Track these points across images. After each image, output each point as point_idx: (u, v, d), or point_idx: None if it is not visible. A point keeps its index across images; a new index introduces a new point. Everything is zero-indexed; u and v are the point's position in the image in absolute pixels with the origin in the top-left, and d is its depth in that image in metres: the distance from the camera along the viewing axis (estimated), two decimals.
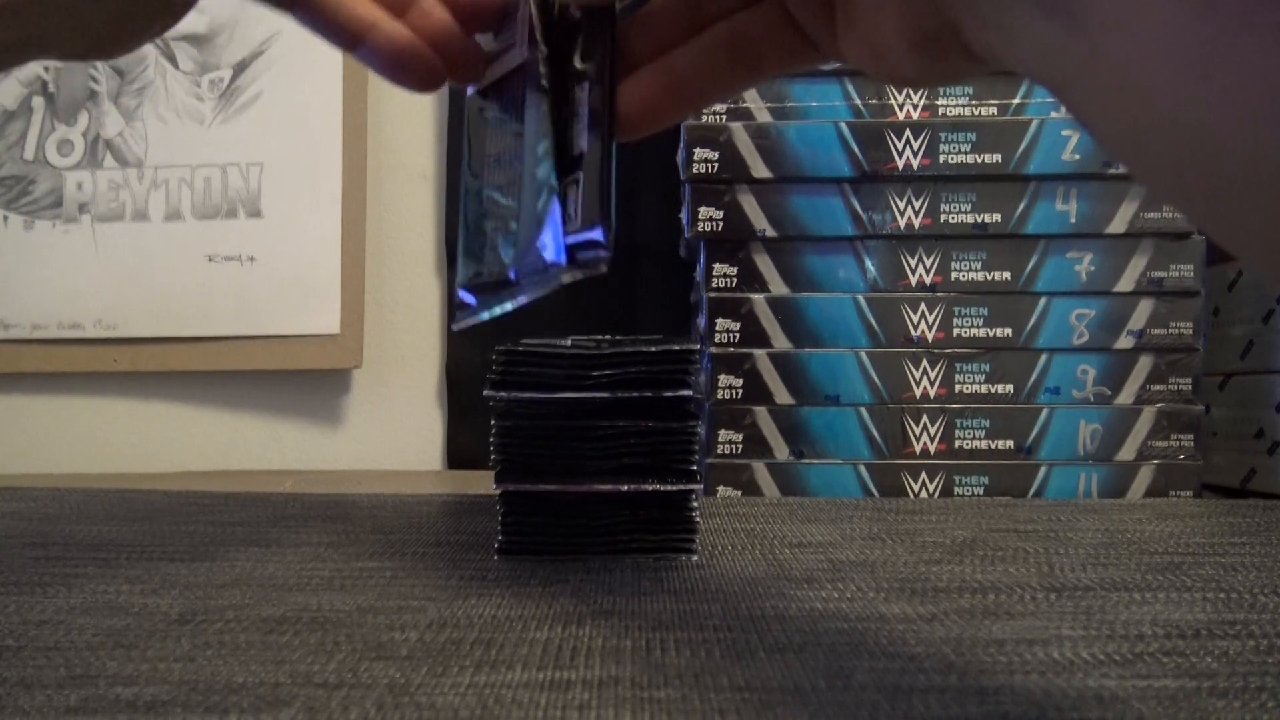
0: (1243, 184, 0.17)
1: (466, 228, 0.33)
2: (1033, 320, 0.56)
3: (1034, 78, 0.23)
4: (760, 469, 0.56)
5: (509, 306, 0.32)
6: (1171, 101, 0.18)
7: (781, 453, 0.56)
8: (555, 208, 0.30)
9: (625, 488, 0.38)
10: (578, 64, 0.30)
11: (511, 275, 0.31)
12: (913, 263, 0.56)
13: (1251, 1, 0.16)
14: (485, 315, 0.32)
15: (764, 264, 0.57)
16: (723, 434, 0.56)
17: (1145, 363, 0.56)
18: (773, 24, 0.29)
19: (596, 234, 0.29)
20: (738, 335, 0.57)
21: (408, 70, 0.32)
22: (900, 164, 0.56)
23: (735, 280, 0.57)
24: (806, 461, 0.56)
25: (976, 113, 0.56)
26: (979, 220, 0.56)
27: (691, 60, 0.29)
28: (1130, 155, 0.20)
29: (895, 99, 0.57)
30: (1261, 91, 0.16)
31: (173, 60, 0.74)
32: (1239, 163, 0.17)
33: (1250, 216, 0.17)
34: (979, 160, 0.55)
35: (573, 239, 0.30)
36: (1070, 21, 0.19)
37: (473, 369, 0.74)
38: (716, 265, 0.57)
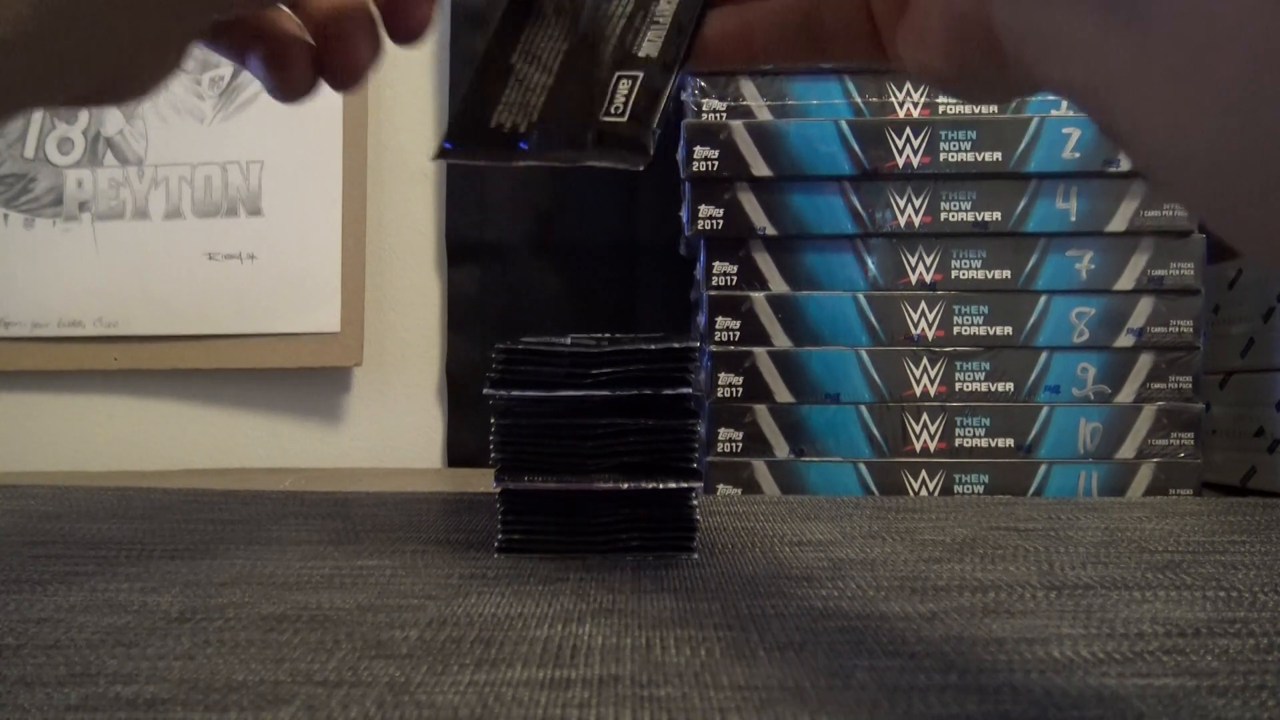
0: None
1: (473, 85, 0.33)
2: (1033, 318, 0.56)
3: (1062, 84, 0.22)
4: (760, 467, 0.56)
5: (505, 164, 0.32)
6: (1235, 98, 0.17)
7: (781, 451, 0.56)
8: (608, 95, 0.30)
9: (625, 486, 0.38)
10: None
11: (522, 145, 0.31)
12: (913, 261, 0.56)
13: None
14: (468, 161, 0.32)
15: (764, 262, 0.57)
16: (723, 432, 0.56)
17: (1145, 361, 0.56)
18: (850, 9, 0.29)
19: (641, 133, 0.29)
20: (738, 333, 0.56)
21: (281, 75, 0.32)
22: (900, 162, 0.56)
23: (735, 278, 0.57)
24: (806, 460, 0.56)
25: (977, 111, 0.56)
26: (979, 218, 0.56)
27: (769, 17, 0.30)
28: (1171, 161, 0.19)
29: (895, 97, 0.56)
30: None
31: None
32: None
33: None
34: (979, 158, 0.55)
35: (608, 121, 0.30)
36: (1126, 15, 0.19)
37: (473, 367, 0.74)
38: (717, 263, 0.57)
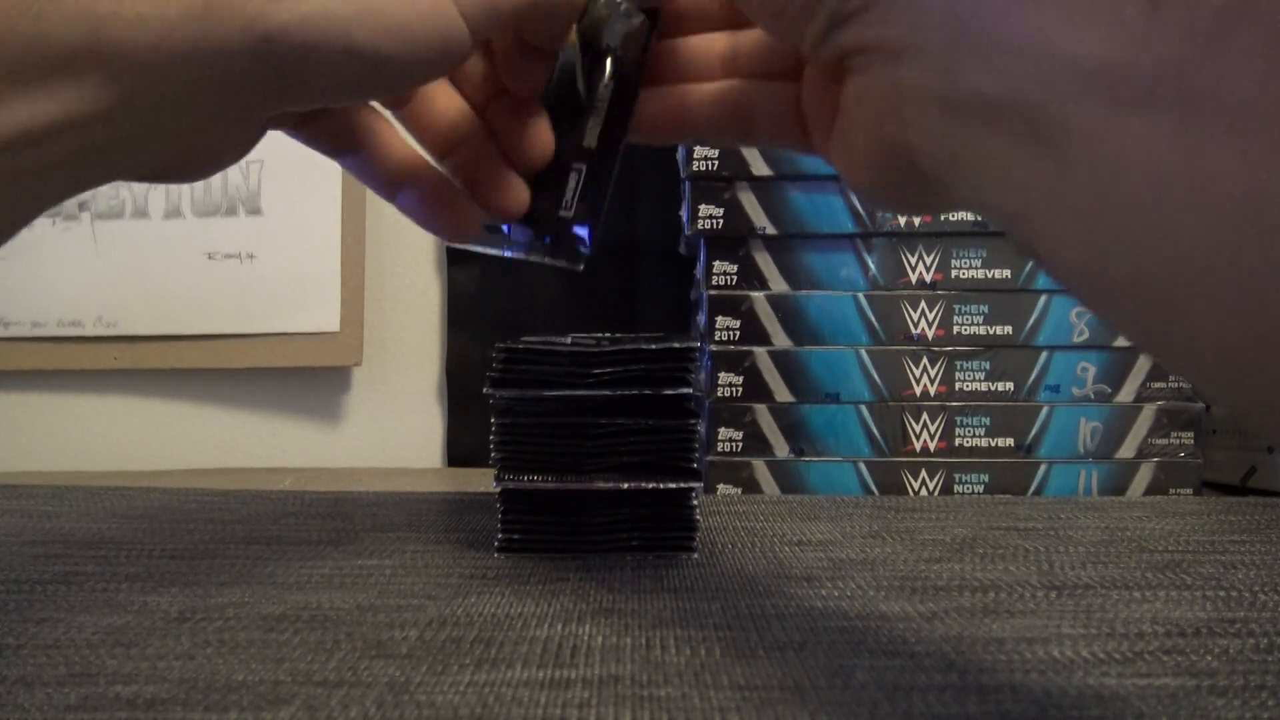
0: (1205, 303, 0.17)
1: None
2: (1033, 318, 0.56)
3: (984, 204, 0.23)
4: (760, 467, 0.56)
5: (493, 252, 0.35)
6: (1144, 217, 0.18)
7: (781, 450, 0.56)
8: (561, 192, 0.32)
9: (625, 485, 0.38)
10: (607, 67, 0.32)
11: (505, 229, 0.34)
12: (913, 260, 0.56)
13: (1227, 123, 0.17)
14: (476, 249, 0.35)
15: (764, 261, 0.57)
16: (723, 432, 0.56)
17: (1145, 360, 0.56)
18: (781, 104, 0.30)
19: (583, 231, 0.31)
20: (738, 333, 0.56)
21: (441, 217, 0.34)
22: None
23: (735, 278, 0.57)
24: (806, 459, 0.56)
25: None
26: (979, 217, 0.56)
27: (704, 100, 0.31)
28: (1089, 276, 0.20)
29: None
30: (1232, 212, 0.17)
31: None
32: (1203, 282, 0.17)
33: (1209, 338, 0.18)
34: None
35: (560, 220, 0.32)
36: (1044, 143, 0.20)
37: (473, 366, 0.74)
38: (717, 263, 0.57)
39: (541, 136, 0.32)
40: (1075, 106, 0.19)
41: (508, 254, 0.34)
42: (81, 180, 0.27)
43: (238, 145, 0.30)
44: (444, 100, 0.32)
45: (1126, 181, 0.18)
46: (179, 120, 0.26)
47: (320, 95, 0.27)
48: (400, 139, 0.33)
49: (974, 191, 0.23)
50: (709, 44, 0.31)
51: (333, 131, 0.32)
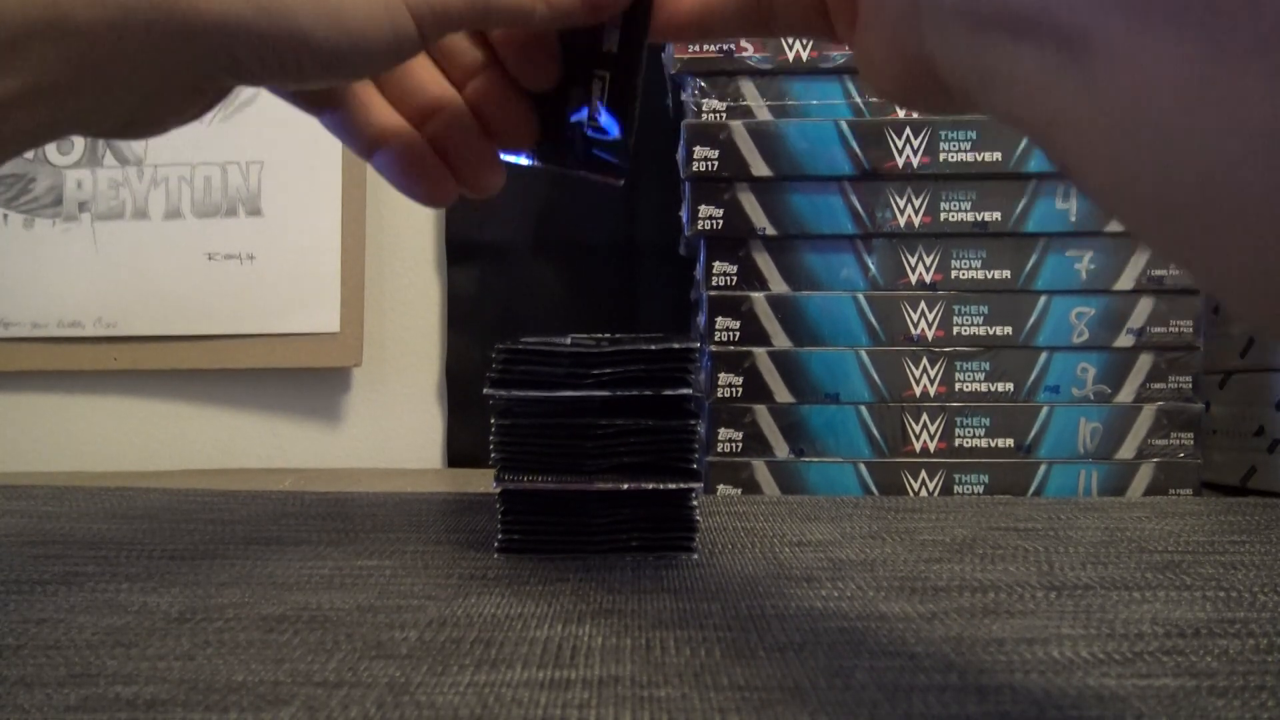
0: (1236, 223, 0.17)
1: None
2: (1033, 318, 0.56)
3: (1011, 117, 0.23)
4: (760, 467, 0.56)
5: (524, 164, 0.34)
6: (1172, 136, 0.18)
7: (781, 451, 0.56)
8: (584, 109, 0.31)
9: (625, 486, 0.38)
10: None
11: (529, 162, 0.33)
12: (913, 261, 0.56)
13: (1256, 41, 0.16)
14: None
15: (764, 262, 0.57)
16: (723, 432, 0.56)
17: (1145, 361, 0.56)
18: None
19: (614, 130, 0.31)
20: (738, 333, 0.56)
21: (414, 181, 0.33)
22: (900, 162, 0.56)
23: (735, 278, 0.57)
24: (806, 460, 0.56)
25: None
26: (979, 218, 0.56)
27: None
28: (1119, 194, 0.20)
29: None
30: (1262, 132, 0.16)
31: None
32: (1234, 202, 0.17)
33: (1239, 257, 0.17)
34: (979, 158, 0.55)
35: (593, 134, 0.31)
36: (1069, 57, 0.19)
37: (473, 367, 0.74)
38: (716, 263, 0.57)
39: (526, 116, 0.32)
40: (1102, 20, 0.19)
41: (537, 164, 0.34)
42: (31, 143, 0.27)
43: (195, 108, 0.30)
44: (422, 73, 0.32)
45: (1154, 99, 0.18)
46: (137, 90, 0.27)
47: (272, 77, 0.28)
48: (380, 100, 0.33)
49: (1002, 105, 0.22)
50: None
51: (307, 93, 0.32)
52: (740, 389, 0.56)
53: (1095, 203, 0.21)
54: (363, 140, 0.33)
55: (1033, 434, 0.56)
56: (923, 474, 0.56)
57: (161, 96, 0.28)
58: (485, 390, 0.38)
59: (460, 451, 0.74)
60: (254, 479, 0.63)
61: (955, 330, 0.56)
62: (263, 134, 0.72)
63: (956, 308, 0.56)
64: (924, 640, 0.28)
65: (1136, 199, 0.19)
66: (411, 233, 0.76)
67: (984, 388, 0.56)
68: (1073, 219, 0.55)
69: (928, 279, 0.56)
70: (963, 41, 0.22)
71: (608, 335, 0.43)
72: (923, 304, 0.56)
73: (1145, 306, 0.56)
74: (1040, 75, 0.20)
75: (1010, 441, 0.56)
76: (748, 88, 0.57)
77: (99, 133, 0.29)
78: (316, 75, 0.28)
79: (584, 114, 0.32)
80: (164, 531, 0.44)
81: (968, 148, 0.55)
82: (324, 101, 0.32)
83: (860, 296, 0.56)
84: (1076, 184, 0.22)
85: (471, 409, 0.74)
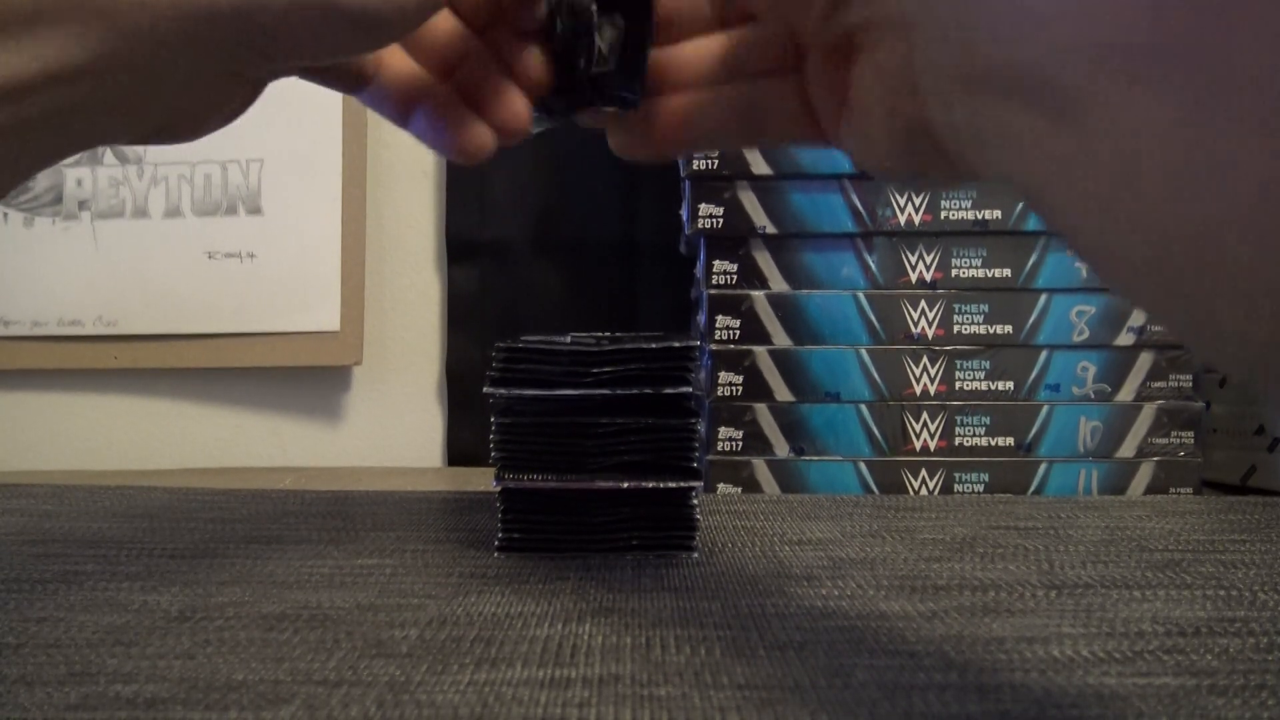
0: (1226, 285, 0.17)
1: None
2: (1033, 317, 0.56)
3: (1004, 177, 0.23)
4: (760, 466, 0.56)
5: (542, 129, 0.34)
6: (1161, 197, 0.17)
7: (782, 450, 0.56)
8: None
9: (625, 485, 0.38)
10: None
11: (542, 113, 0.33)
12: (913, 259, 0.56)
13: (1241, 102, 0.16)
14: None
15: (764, 261, 0.57)
16: (723, 431, 0.56)
17: (1145, 359, 0.56)
18: (789, 99, 0.30)
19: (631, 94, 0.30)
20: (738, 332, 0.56)
21: (453, 133, 0.32)
22: None
23: (735, 277, 0.57)
24: (807, 458, 0.56)
25: None
26: (979, 216, 0.56)
27: (710, 105, 0.31)
28: (1110, 255, 0.20)
29: None
30: (1249, 193, 0.16)
31: None
32: (1223, 264, 0.17)
33: (1230, 319, 0.17)
34: None
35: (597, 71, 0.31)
36: (1061, 117, 0.19)
37: (473, 366, 0.74)
38: (716, 262, 0.57)
39: (540, 57, 0.32)
40: (1090, 80, 0.18)
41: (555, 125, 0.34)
42: (67, 142, 0.26)
43: (233, 103, 0.29)
44: (442, 24, 0.32)
45: (1145, 160, 0.18)
46: (165, 79, 0.26)
47: (308, 54, 0.27)
48: (407, 62, 0.32)
49: (996, 165, 0.22)
50: (705, 48, 0.31)
51: (340, 69, 0.32)
52: (740, 388, 0.56)
53: (1088, 264, 0.21)
54: (399, 105, 0.32)
55: (1033, 433, 0.56)
56: (923, 473, 0.56)
57: (196, 87, 0.27)
58: (485, 389, 0.38)
59: (460, 450, 0.74)
60: (254, 478, 0.63)
61: (955, 329, 0.56)
62: (263, 132, 0.72)
63: (957, 306, 0.56)
64: (924, 639, 0.28)
65: (1128, 260, 0.19)
66: (412, 231, 0.76)
67: (984, 386, 0.56)
68: None
69: (928, 277, 0.56)
70: (958, 103, 0.22)
71: (608, 334, 0.43)
72: (923, 302, 0.56)
73: None
74: (1032, 136, 0.20)
75: (1010, 440, 0.56)
76: None
77: (135, 136, 0.28)
78: (352, 42, 0.27)
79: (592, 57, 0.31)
80: (164, 530, 0.44)
81: None
82: (360, 74, 0.32)
83: (860, 295, 0.56)
84: (1069, 245, 0.21)
85: (472, 407, 0.74)
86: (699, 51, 0.31)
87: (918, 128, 0.24)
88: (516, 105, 0.32)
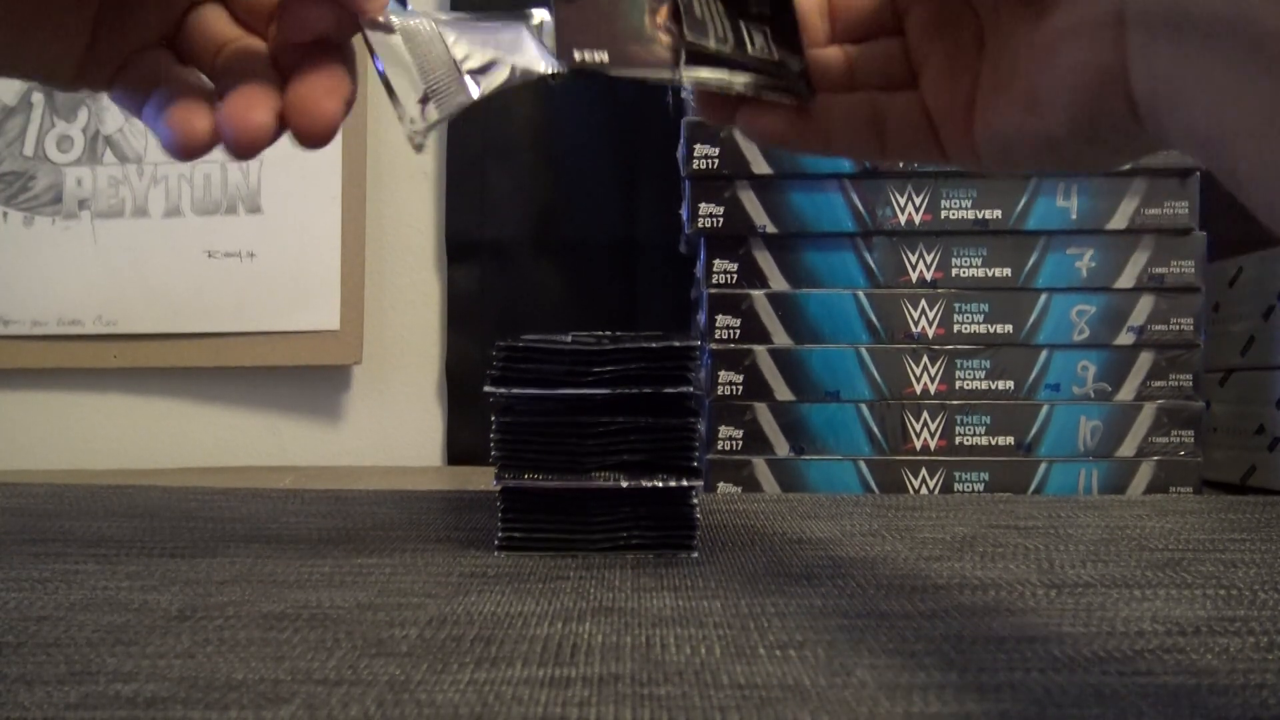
0: None
1: None
2: (1033, 316, 0.56)
3: (1191, 134, 0.23)
4: (760, 465, 0.56)
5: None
6: None
7: (782, 449, 0.56)
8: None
9: (625, 484, 0.38)
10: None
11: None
12: (913, 259, 0.56)
13: None
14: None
15: (764, 260, 0.57)
16: (723, 430, 0.56)
17: (1146, 359, 0.56)
18: (911, 110, 0.30)
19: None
20: (738, 331, 0.56)
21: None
22: None
23: (735, 276, 0.57)
24: (807, 458, 0.56)
25: None
26: (980, 216, 0.56)
27: (837, 112, 0.31)
28: None
29: None
30: None
31: None
32: None
33: None
34: None
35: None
36: (1262, 64, 0.20)
37: (473, 365, 0.74)
38: (717, 261, 0.57)
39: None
40: None
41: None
42: None
43: (60, 35, 0.29)
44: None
45: None
46: None
47: None
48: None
49: (1186, 118, 0.22)
50: (830, 57, 0.32)
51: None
52: (740, 387, 0.56)
53: (1260, 211, 0.21)
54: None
55: (1033, 432, 0.56)
56: (923, 472, 0.56)
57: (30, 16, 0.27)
58: (486, 388, 0.38)
59: (460, 449, 0.74)
60: (254, 477, 0.63)
61: (956, 328, 0.56)
62: None
63: (957, 305, 0.56)
64: (924, 638, 0.28)
65: None
66: (411, 231, 0.76)
67: (984, 386, 0.56)
68: (1073, 217, 0.55)
69: (928, 277, 0.56)
70: (1164, 50, 0.22)
71: (608, 333, 0.43)
72: (923, 302, 0.56)
73: (1146, 304, 0.56)
74: (1231, 81, 0.21)
75: (1010, 439, 0.56)
76: None
77: (49, 77, 0.28)
78: None
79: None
80: (164, 529, 0.44)
81: None
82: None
83: (861, 294, 0.56)
84: (1247, 197, 0.22)
85: (472, 407, 0.74)
86: (825, 58, 0.32)
87: (1115, 83, 0.24)
88: None
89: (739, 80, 0.30)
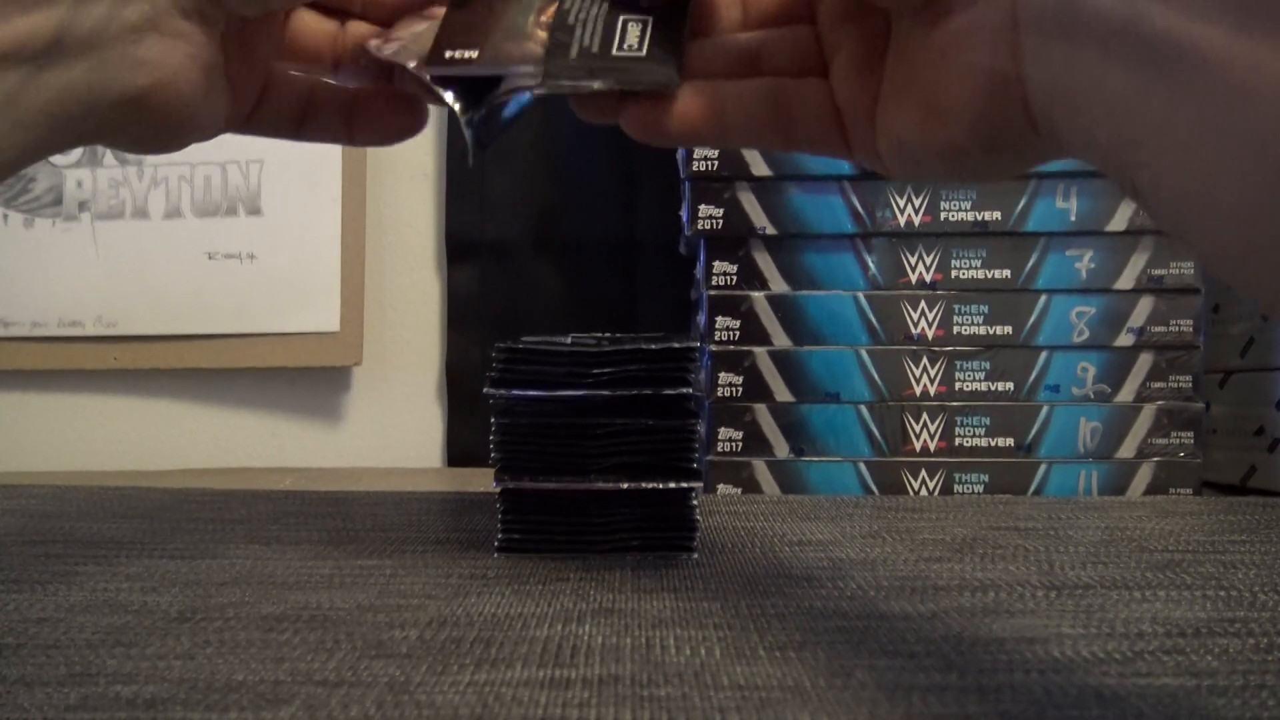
0: None
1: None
2: (1033, 318, 0.56)
3: (1088, 143, 0.22)
4: (760, 467, 0.56)
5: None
6: (1267, 140, 0.18)
7: (781, 450, 0.56)
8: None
9: (625, 485, 0.38)
10: None
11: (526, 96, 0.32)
12: (913, 260, 0.56)
13: None
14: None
15: (764, 261, 0.57)
16: (723, 432, 0.56)
17: (1145, 360, 0.56)
18: (819, 99, 0.29)
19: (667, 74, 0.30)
20: (738, 333, 0.56)
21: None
22: None
23: (735, 278, 0.57)
24: (806, 459, 0.56)
25: None
26: (979, 217, 0.56)
27: (740, 97, 0.30)
28: (1194, 205, 0.20)
29: None
30: None
31: None
32: None
33: None
34: None
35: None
36: (1157, 71, 0.19)
37: (472, 366, 0.74)
38: (716, 263, 0.57)
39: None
40: (1200, 30, 0.19)
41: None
42: (56, 129, 0.27)
43: (207, 98, 0.30)
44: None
45: (1250, 106, 0.18)
46: (125, 42, 0.27)
47: None
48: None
49: (1085, 127, 0.22)
50: (735, 42, 0.31)
51: (299, 109, 0.34)
52: (740, 388, 0.56)
53: (1161, 221, 0.21)
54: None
55: (1033, 433, 0.56)
56: (923, 473, 0.56)
57: (161, 65, 0.28)
58: (485, 389, 0.38)
59: (460, 451, 0.74)
60: (254, 478, 0.63)
61: (955, 329, 0.56)
62: None
63: (957, 307, 0.56)
64: (924, 639, 0.28)
65: (1213, 211, 0.19)
66: (411, 232, 0.76)
67: (984, 387, 0.56)
68: (1073, 218, 0.55)
69: (928, 278, 0.56)
70: (1058, 58, 0.22)
71: (608, 334, 0.43)
72: (923, 303, 0.56)
73: (1145, 306, 0.56)
74: (1126, 88, 0.20)
75: (1010, 441, 0.56)
76: None
77: (112, 131, 0.29)
78: None
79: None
80: (164, 530, 0.44)
81: None
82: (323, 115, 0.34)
83: (860, 296, 0.56)
84: (1144, 202, 0.21)
85: (471, 408, 0.74)
86: (731, 44, 0.31)
87: (1011, 88, 0.24)
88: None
89: (595, 83, 0.30)
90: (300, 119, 0.34)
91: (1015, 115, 0.24)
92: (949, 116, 0.25)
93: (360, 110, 0.34)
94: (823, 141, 0.30)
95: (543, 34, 0.31)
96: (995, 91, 0.24)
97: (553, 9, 0.32)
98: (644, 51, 0.30)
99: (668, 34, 0.30)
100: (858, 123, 0.29)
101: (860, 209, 0.56)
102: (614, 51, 0.30)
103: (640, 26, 0.31)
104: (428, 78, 0.31)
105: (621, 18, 0.31)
